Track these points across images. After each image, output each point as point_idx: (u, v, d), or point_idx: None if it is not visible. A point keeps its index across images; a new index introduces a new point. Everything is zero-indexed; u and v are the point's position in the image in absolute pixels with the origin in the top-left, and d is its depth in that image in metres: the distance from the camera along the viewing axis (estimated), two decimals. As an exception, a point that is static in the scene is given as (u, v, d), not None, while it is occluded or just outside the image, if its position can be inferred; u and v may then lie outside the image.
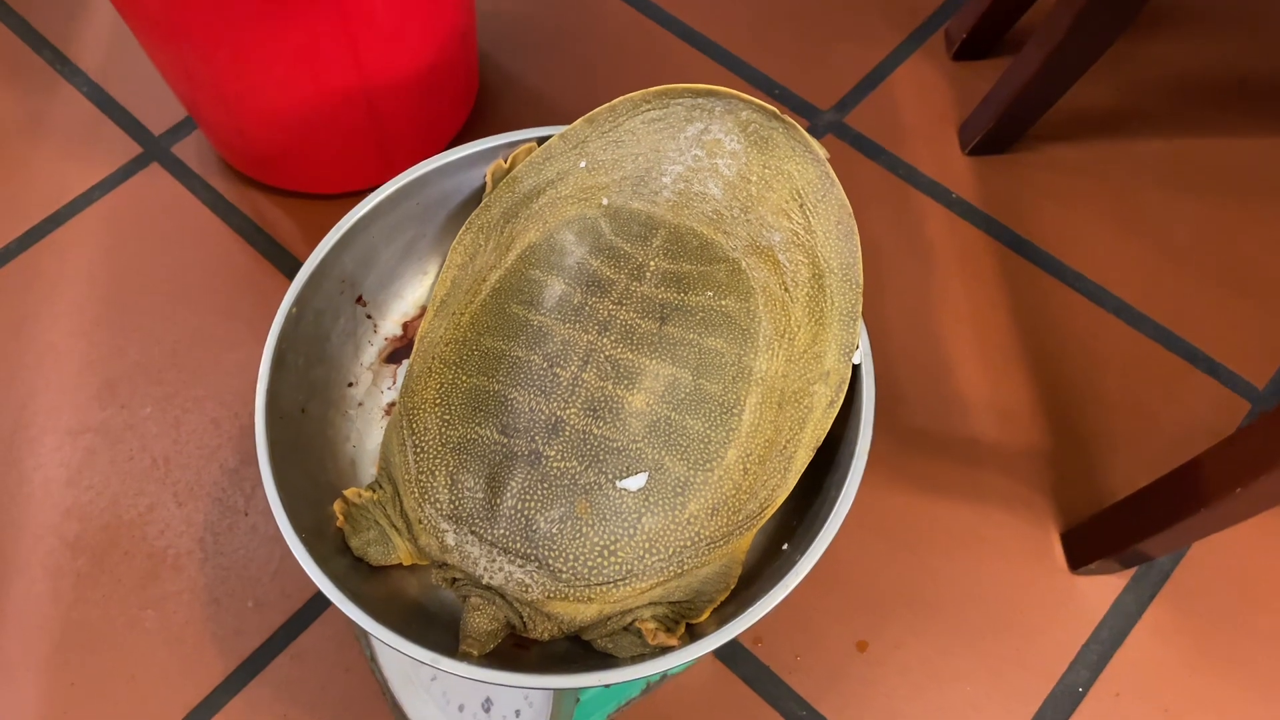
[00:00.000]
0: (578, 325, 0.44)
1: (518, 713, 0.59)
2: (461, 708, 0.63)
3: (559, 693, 0.55)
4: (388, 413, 0.52)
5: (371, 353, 0.52)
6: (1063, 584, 0.74)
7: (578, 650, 0.46)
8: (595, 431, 0.43)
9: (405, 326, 0.53)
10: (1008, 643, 0.72)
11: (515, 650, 0.46)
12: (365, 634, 0.69)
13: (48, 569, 0.73)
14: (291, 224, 0.87)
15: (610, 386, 0.43)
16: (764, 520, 0.45)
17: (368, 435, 0.51)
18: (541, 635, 0.44)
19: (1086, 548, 0.74)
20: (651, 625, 0.43)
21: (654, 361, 0.44)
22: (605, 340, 0.44)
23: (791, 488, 0.46)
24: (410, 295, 0.54)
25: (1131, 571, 0.74)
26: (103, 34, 0.98)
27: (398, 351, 0.53)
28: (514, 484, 0.43)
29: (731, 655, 0.71)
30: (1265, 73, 0.97)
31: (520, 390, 0.44)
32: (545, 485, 0.42)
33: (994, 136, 0.91)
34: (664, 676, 0.70)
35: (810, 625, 0.72)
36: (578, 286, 0.45)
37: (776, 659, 0.71)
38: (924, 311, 0.84)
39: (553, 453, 0.43)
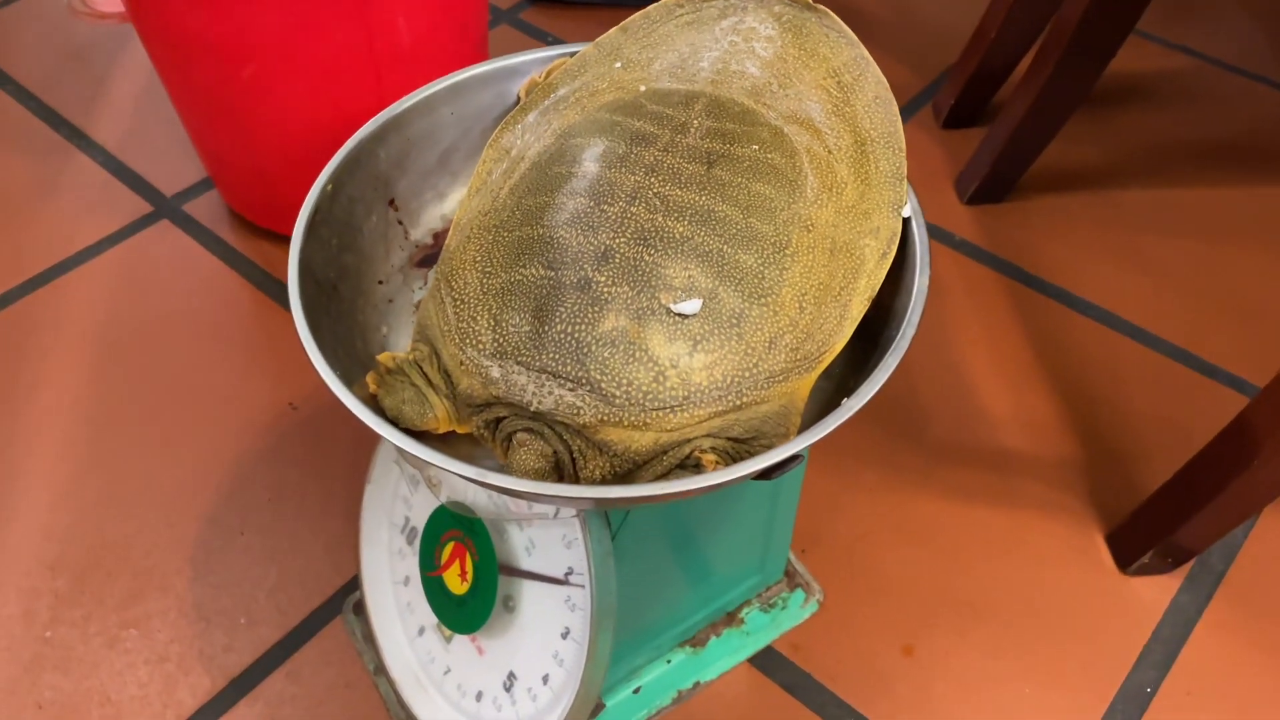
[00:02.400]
0: (624, 170, 0.44)
1: (545, 678, 0.53)
2: (480, 695, 0.57)
3: (594, 635, 0.50)
4: (417, 310, 0.50)
5: (402, 256, 0.51)
6: (1114, 586, 0.70)
7: (630, 507, 0.42)
8: (647, 258, 0.41)
9: (435, 237, 0.52)
10: (1063, 644, 0.67)
11: (562, 509, 0.42)
12: (370, 643, 0.63)
13: (22, 590, 0.67)
14: (300, 269, 0.87)
15: (660, 219, 0.42)
16: (823, 364, 0.43)
17: (398, 329, 0.49)
18: (592, 474, 0.40)
19: (1133, 544, 0.70)
20: (712, 456, 0.40)
21: (704, 197, 0.43)
22: (653, 180, 0.43)
23: (849, 335, 0.43)
24: (441, 207, 0.53)
25: (1184, 572, 0.70)
26: (119, 110, 1.01)
27: (428, 258, 0.51)
28: (563, 310, 0.40)
29: (769, 663, 0.66)
30: (1231, 136, 1.02)
31: (567, 229, 0.42)
32: (596, 308, 0.40)
33: (990, 185, 0.94)
34: (696, 685, 0.64)
35: (851, 632, 0.67)
36: (621, 141, 0.45)
37: (818, 666, 0.65)
38: (942, 340, 0.84)
39: (603, 278, 0.41)
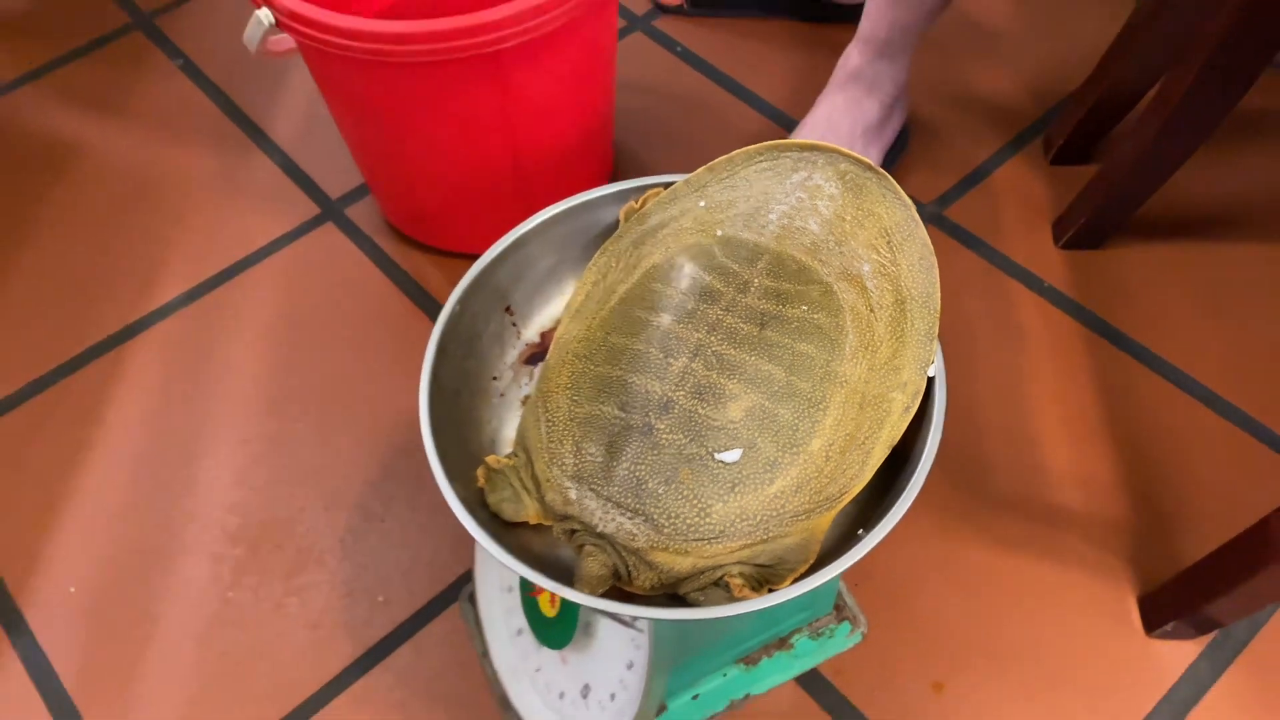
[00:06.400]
0: (690, 325, 0.53)
1: (613, 696, 0.65)
2: (562, 695, 0.70)
3: (650, 676, 0.61)
4: (523, 404, 0.61)
5: (513, 354, 0.62)
6: (1138, 646, 0.77)
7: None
8: (700, 411, 0.50)
9: (543, 335, 0.63)
10: (1082, 696, 0.74)
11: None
12: (479, 631, 0.76)
13: (210, 554, 0.83)
14: (441, 278, 0.99)
15: (715, 375, 0.51)
16: (842, 504, 0.52)
17: (506, 421, 0.60)
18: (643, 584, 0.51)
19: (1162, 611, 0.76)
20: (738, 580, 0.50)
21: (753, 358, 0.51)
22: (712, 338, 0.52)
23: (868, 479, 0.52)
24: (549, 310, 0.63)
25: (1208, 639, 0.77)
26: (294, 111, 1.14)
27: (535, 356, 0.62)
28: (629, 451, 0.50)
29: (812, 684, 0.76)
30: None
31: (638, 375, 0.52)
32: (655, 453, 0.50)
33: (1087, 231, 0.97)
34: (747, 697, 0.75)
35: (889, 664, 0.76)
36: (691, 295, 0.54)
37: (855, 692, 0.76)
38: (1015, 388, 0.90)
39: (663, 426, 0.50)
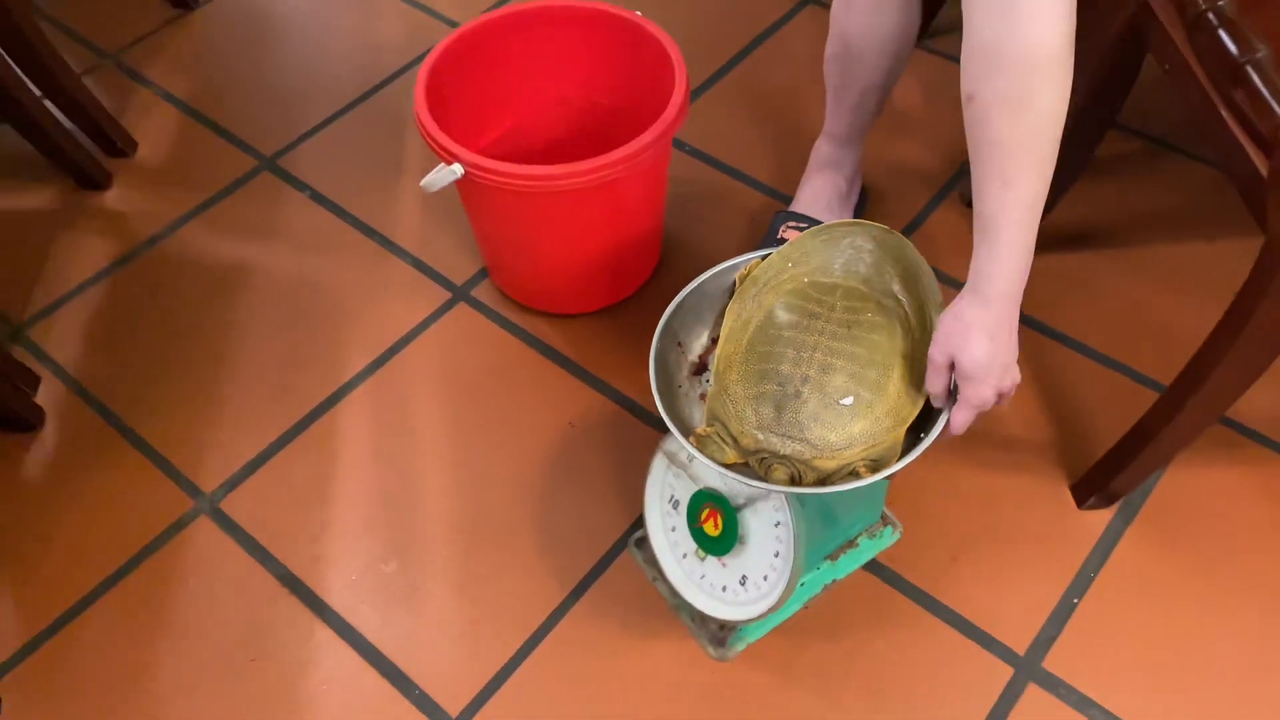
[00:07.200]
0: (806, 333, 0.92)
1: (765, 577, 1.03)
2: (724, 588, 1.07)
3: (794, 566, 0.99)
4: (701, 399, 0.99)
5: (685, 370, 1.00)
6: (1073, 516, 1.18)
7: (823, 493, 0.91)
8: (824, 379, 0.90)
9: (699, 356, 1.01)
10: (1044, 551, 1.15)
11: (792, 495, 0.91)
12: (651, 561, 1.13)
13: (440, 540, 1.19)
14: (555, 334, 1.37)
15: (828, 359, 0.90)
16: (910, 421, 0.91)
17: (692, 411, 0.98)
18: (809, 481, 0.89)
19: (1085, 491, 1.18)
20: (864, 470, 0.88)
21: (848, 346, 0.91)
22: (821, 339, 0.91)
23: (920, 407, 0.92)
24: (700, 340, 1.01)
25: (1116, 508, 1.19)
26: (409, 219, 1.50)
27: (698, 369, 1.00)
28: (789, 407, 0.89)
29: (873, 567, 1.15)
30: (1173, 203, 1.47)
31: (784, 365, 0.91)
32: (804, 405, 0.89)
33: (1000, 253, 1.40)
34: (834, 581, 1.14)
35: (920, 550, 1.16)
36: (802, 317, 0.93)
37: (902, 568, 1.15)
38: (967, 364, 1.31)
39: (806, 391, 0.89)
